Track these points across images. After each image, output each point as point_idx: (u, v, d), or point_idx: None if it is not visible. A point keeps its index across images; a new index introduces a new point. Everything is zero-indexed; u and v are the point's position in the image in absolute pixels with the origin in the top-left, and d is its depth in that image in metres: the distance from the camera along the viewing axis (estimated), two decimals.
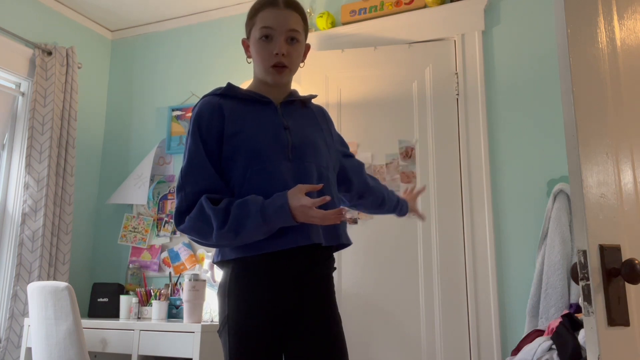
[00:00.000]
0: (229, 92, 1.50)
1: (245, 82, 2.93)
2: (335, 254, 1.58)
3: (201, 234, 1.36)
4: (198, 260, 3.32)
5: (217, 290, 1.47)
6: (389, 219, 2.80)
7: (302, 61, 1.58)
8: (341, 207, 1.44)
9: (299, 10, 1.52)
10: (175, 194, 1.52)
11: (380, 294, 2.78)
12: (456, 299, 2.67)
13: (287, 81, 1.53)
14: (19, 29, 3.31)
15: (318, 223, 1.33)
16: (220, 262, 1.45)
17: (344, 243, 1.49)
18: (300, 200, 1.30)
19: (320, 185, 1.37)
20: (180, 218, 1.38)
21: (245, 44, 1.55)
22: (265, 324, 1.36)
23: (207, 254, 3.23)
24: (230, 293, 1.39)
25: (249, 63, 1.55)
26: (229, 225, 1.31)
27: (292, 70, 1.51)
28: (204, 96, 1.50)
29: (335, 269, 1.53)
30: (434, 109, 2.90)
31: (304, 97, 1.60)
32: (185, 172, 1.41)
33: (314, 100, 1.67)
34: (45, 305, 2.49)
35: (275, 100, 1.52)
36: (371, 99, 2.98)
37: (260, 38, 1.46)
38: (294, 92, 1.58)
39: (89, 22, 3.79)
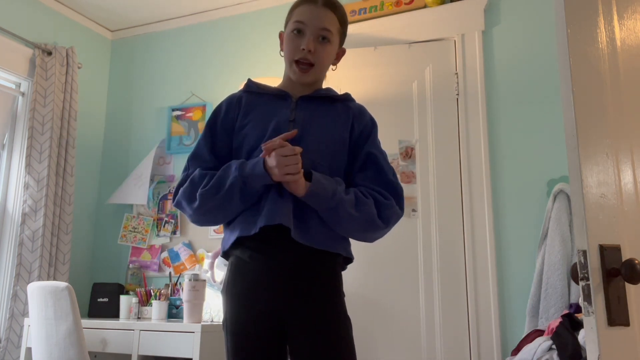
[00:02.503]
0: (249, 88, 1.55)
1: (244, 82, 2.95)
2: None
3: (190, 198, 1.41)
4: (198, 260, 3.32)
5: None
6: None
7: (334, 64, 1.56)
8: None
9: (338, 12, 1.48)
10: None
11: (380, 294, 2.77)
12: (456, 299, 2.66)
13: (312, 80, 1.50)
14: (19, 29, 3.31)
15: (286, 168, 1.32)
16: (223, 256, 1.47)
17: (317, 247, 1.37)
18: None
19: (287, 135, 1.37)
20: (177, 192, 1.46)
21: (281, 37, 1.56)
22: (259, 323, 1.35)
23: (207, 254, 3.22)
24: (226, 291, 1.41)
25: (282, 57, 1.54)
26: (212, 183, 1.38)
27: (319, 70, 1.48)
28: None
29: (342, 269, 1.50)
30: (434, 109, 2.90)
31: (334, 94, 1.53)
32: (192, 156, 1.49)
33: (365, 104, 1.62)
34: (45, 305, 2.49)
35: (296, 96, 1.50)
36: (371, 99, 2.98)
37: (292, 31, 1.47)
38: (323, 90, 1.54)
39: (89, 22, 3.79)
